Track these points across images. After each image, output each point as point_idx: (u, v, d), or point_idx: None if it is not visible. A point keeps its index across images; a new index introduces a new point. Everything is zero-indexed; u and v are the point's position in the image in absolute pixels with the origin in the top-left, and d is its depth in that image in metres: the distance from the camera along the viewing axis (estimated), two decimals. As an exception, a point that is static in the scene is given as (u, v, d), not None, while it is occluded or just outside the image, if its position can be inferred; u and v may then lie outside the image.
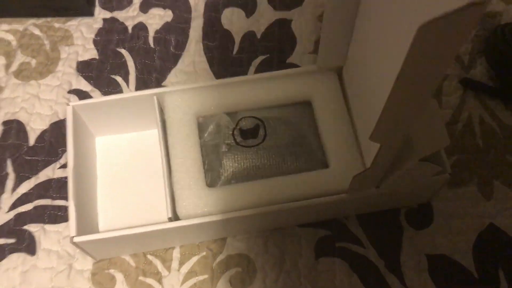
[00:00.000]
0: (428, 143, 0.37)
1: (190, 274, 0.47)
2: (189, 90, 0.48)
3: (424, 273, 0.48)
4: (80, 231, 0.42)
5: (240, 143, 0.46)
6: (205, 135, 0.47)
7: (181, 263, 0.48)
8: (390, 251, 0.48)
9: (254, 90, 0.48)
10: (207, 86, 0.48)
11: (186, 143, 0.46)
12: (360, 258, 0.48)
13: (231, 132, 0.47)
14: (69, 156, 0.44)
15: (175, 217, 0.43)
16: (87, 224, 0.45)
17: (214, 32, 0.59)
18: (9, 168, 0.51)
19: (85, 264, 0.47)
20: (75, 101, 0.54)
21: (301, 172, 0.45)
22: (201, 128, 0.47)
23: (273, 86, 0.49)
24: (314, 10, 0.60)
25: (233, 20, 0.59)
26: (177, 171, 0.45)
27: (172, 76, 0.56)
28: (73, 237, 0.41)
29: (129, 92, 0.48)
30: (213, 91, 0.48)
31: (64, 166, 0.51)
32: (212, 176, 0.46)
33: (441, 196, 0.50)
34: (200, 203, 0.44)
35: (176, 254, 0.48)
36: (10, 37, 0.58)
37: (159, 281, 0.47)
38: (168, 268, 0.48)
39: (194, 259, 0.48)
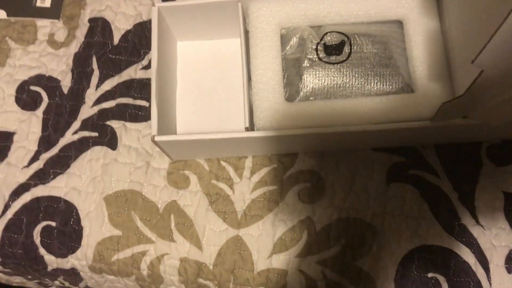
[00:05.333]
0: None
1: (260, 183, 0.49)
2: (274, 0, 0.46)
3: (499, 210, 0.46)
4: (161, 131, 0.44)
5: (323, 59, 0.45)
6: (287, 48, 0.46)
7: (252, 172, 0.49)
8: (465, 185, 0.47)
9: (343, 3, 0.46)
10: (293, -5, 0.46)
11: (268, 55, 0.45)
12: (433, 188, 0.47)
13: (314, 47, 0.45)
14: (153, 57, 0.45)
15: (251, 127, 0.44)
16: (167, 125, 0.46)
17: None
18: (94, 65, 0.52)
19: (162, 163, 0.50)
20: (159, 4, 0.54)
21: (384, 95, 0.44)
22: (283, 40, 0.46)
23: (363, 0, 0.46)
24: None
25: None
26: (257, 82, 0.45)
27: (256, -16, 0.54)
28: (154, 136, 0.43)
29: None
30: (298, 2, 0.46)
31: (145, 67, 0.52)
32: (290, 90, 0.45)
33: (530, 134, 0.48)
34: (277, 116, 0.43)
35: (248, 163, 0.49)
36: None
37: (231, 186, 0.49)
38: (240, 176, 0.49)
39: (265, 169, 0.49)
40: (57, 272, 0.50)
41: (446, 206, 0.47)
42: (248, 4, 0.46)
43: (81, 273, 0.49)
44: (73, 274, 0.50)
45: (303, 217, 0.48)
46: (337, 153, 0.49)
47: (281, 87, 0.44)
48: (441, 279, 0.45)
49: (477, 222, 0.46)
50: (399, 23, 0.46)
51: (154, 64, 0.45)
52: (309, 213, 0.48)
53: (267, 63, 0.45)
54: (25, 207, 0.49)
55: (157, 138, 0.43)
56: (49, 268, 0.50)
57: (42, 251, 0.49)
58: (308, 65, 0.45)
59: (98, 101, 0.51)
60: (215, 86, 0.51)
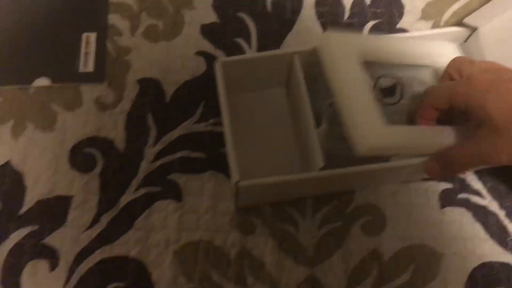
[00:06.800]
0: None
1: (324, 220, 0.51)
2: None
3: (543, 222, 0.51)
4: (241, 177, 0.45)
5: (381, 101, 0.49)
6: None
7: (315, 211, 0.51)
8: (509, 202, 0.52)
9: (397, 44, 0.51)
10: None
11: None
12: (482, 209, 0.52)
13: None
14: (223, 108, 0.47)
15: (325, 166, 0.47)
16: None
17: (325, -2, 0.62)
18: (150, 122, 0.54)
19: (226, 211, 0.51)
20: (202, 62, 0.57)
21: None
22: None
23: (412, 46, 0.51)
24: (420, -22, 0.63)
25: (343, -13, 0.62)
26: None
27: (288, 41, 0.59)
28: (238, 181, 0.44)
29: (270, 51, 0.51)
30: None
31: (198, 121, 0.54)
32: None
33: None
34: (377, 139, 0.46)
35: (309, 203, 0.52)
36: (130, 1, 0.60)
37: (296, 226, 0.50)
38: (303, 216, 0.51)
39: (327, 207, 0.51)
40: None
41: (497, 224, 0.51)
42: (303, 54, 0.50)
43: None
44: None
45: (371, 249, 0.50)
46: (391, 186, 0.52)
47: (375, 111, 0.47)
48: (508, 291, 0.48)
49: (526, 236, 0.51)
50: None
51: (225, 115, 0.47)
52: (376, 245, 0.50)
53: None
54: (91, 271, 0.48)
55: (242, 183, 0.44)
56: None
57: (111, 315, 0.47)
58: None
59: (157, 156, 0.52)
60: (267, 134, 0.54)
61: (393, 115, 0.49)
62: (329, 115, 0.50)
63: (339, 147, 0.49)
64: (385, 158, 0.49)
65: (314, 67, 0.51)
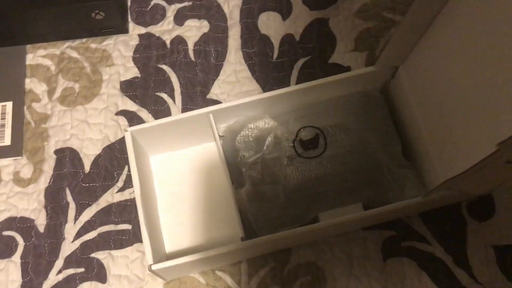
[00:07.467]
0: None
1: (261, 286, 0.48)
2: (242, 105, 0.48)
3: (493, 265, 0.48)
4: (156, 258, 0.43)
5: (302, 154, 0.46)
6: (264, 148, 0.47)
7: (250, 276, 0.48)
8: (456, 246, 0.49)
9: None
10: (258, 99, 0.48)
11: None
12: (427, 256, 0.48)
13: (291, 144, 0.46)
14: (135, 183, 0.44)
15: (247, 235, 0.44)
16: (158, 248, 0.45)
17: (252, 38, 0.58)
18: (69, 197, 0.51)
19: (156, 286, 0.48)
20: (124, 122, 0.54)
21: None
22: (258, 141, 0.47)
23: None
24: (350, 6, 0.59)
25: (269, 24, 0.59)
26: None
27: (215, 88, 0.56)
28: (151, 265, 0.41)
29: (185, 113, 0.47)
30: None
31: (121, 189, 0.51)
32: (276, 189, 0.46)
33: (501, 187, 0.50)
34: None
35: (244, 267, 0.48)
36: (48, 62, 0.57)
37: (231, 296, 0.47)
38: (238, 283, 0.48)
39: (263, 270, 0.48)
40: None
41: (444, 271, 0.48)
42: (217, 113, 0.47)
43: None
44: None
45: (311, 312, 0.47)
46: (329, 238, 0.49)
47: (266, 189, 0.45)
48: None
49: (476, 281, 0.47)
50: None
51: (137, 190, 0.44)
52: (316, 307, 0.47)
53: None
54: None
55: (154, 267, 0.41)
56: None
57: None
58: (288, 162, 0.46)
59: (78, 234, 0.49)
60: (196, 194, 0.51)
61: (323, 164, 0.46)
62: (252, 174, 0.47)
63: (265, 208, 0.46)
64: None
65: (235, 122, 0.49)
